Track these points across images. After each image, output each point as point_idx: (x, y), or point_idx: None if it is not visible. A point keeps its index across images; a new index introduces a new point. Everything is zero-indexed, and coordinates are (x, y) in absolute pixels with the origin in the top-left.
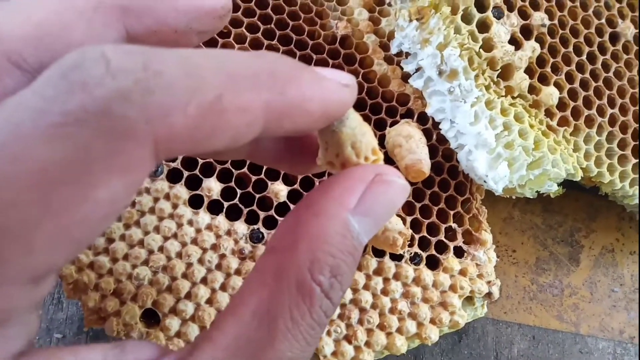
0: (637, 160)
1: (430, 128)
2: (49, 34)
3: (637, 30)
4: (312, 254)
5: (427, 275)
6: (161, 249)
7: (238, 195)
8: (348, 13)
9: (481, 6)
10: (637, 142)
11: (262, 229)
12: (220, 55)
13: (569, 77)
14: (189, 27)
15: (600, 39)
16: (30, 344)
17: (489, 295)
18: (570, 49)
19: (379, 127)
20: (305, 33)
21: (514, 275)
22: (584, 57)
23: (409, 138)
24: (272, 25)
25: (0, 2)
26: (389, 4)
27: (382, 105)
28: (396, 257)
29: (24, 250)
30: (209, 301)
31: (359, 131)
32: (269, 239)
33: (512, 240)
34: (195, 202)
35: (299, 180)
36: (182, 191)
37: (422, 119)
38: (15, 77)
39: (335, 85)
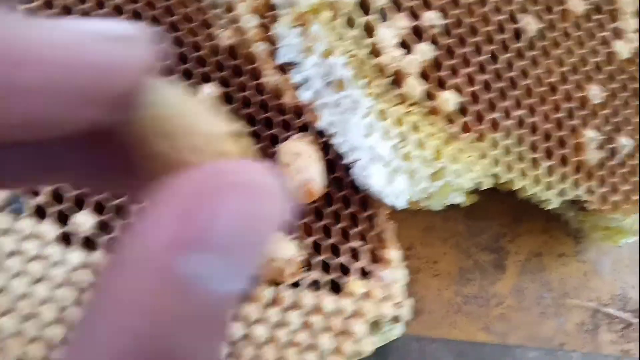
0: (551, 163)
1: (327, 142)
2: None
3: (542, 25)
4: (124, 337)
5: (328, 301)
6: (24, 295)
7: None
8: (235, 20)
9: (365, 9)
10: (549, 144)
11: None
12: None
13: (470, 80)
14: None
15: (502, 36)
16: None
17: (395, 319)
18: (469, 48)
19: (274, 143)
20: (189, 44)
21: (437, 288)
22: (484, 57)
23: (297, 156)
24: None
25: None
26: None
27: (276, 119)
28: (294, 284)
29: None
30: None
31: (191, 112)
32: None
33: (433, 251)
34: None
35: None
36: (49, 229)
37: (321, 132)
38: None
39: (99, 40)
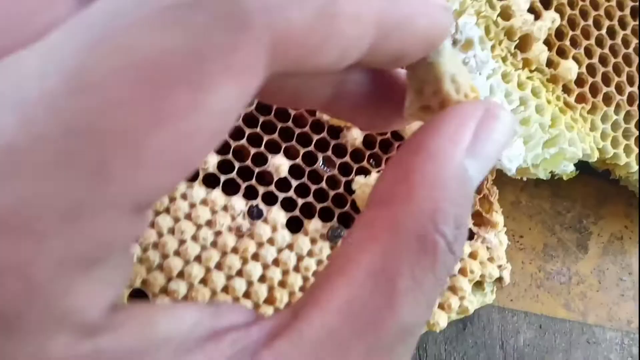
0: None
1: None
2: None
3: None
4: (434, 203)
5: None
6: (152, 224)
7: (236, 169)
8: None
9: None
10: None
11: (262, 205)
12: None
13: (588, 52)
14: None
15: (621, 13)
16: (121, 295)
17: (499, 280)
18: (590, 22)
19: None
20: None
21: (521, 261)
22: (603, 32)
23: None
24: None
25: None
26: None
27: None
28: None
29: (132, 164)
30: (203, 281)
31: (456, 64)
32: (372, 191)
33: (519, 226)
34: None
35: (300, 155)
36: None
37: None
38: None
39: (439, 7)
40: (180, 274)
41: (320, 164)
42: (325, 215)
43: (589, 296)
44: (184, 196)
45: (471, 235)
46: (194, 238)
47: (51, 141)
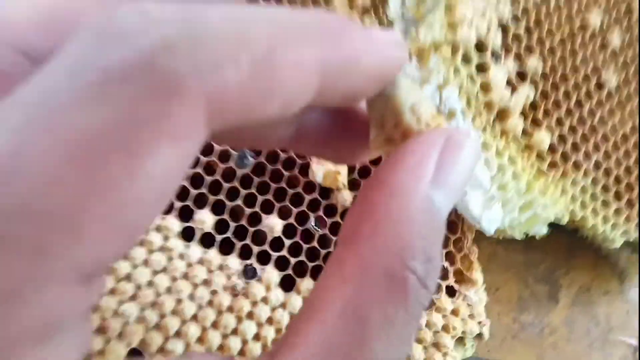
0: (618, 205)
1: None
2: (60, 19)
3: (619, 80)
4: (401, 239)
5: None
6: (150, 283)
7: (231, 229)
8: None
9: (480, 49)
10: (619, 187)
11: (256, 264)
12: (267, 8)
13: (559, 122)
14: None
15: (587, 87)
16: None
17: (479, 335)
18: (560, 95)
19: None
20: None
21: (497, 313)
22: (572, 104)
23: None
24: None
25: None
26: None
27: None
28: None
29: (71, 239)
30: (200, 340)
31: (415, 94)
32: (340, 230)
33: (495, 278)
34: (186, 235)
35: (294, 215)
36: (173, 223)
37: None
38: (25, 69)
39: (388, 42)
40: (177, 333)
41: (312, 223)
42: (317, 274)
43: (560, 347)
44: (181, 256)
45: (453, 293)
46: (191, 297)
47: None
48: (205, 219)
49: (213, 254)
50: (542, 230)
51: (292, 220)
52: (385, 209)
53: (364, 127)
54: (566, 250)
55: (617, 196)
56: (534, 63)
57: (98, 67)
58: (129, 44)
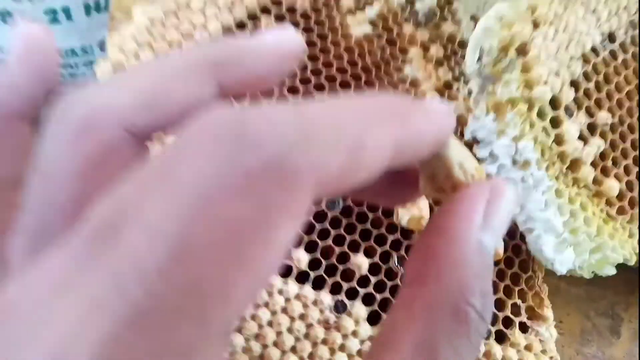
0: None
1: None
2: (154, 98)
3: None
4: (461, 280)
5: (497, 350)
6: (253, 317)
7: (323, 266)
8: (420, 95)
9: (554, 105)
10: None
11: (345, 300)
12: (352, 99)
13: (627, 170)
14: (271, 72)
15: None
16: None
17: None
18: (628, 143)
19: None
20: None
21: (561, 345)
22: (638, 152)
23: None
24: None
25: (99, 82)
26: (457, 89)
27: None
28: None
29: (224, 307)
30: None
31: (461, 152)
32: (406, 271)
33: (558, 312)
34: (284, 272)
35: (378, 254)
36: None
37: None
38: (131, 144)
39: (442, 114)
40: None
41: (395, 262)
42: None
43: None
44: (280, 292)
45: (525, 329)
46: (289, 330)
47: (167, 300)
48: (301, 258)
49: (308, 290)
50: (610, 271)
51: (376, 259)
52: (446, 253)
53: (413, 176)
54: (626, 285)
55: None
56: (603, 116)
57: (241, 171)
58: (262, 149)
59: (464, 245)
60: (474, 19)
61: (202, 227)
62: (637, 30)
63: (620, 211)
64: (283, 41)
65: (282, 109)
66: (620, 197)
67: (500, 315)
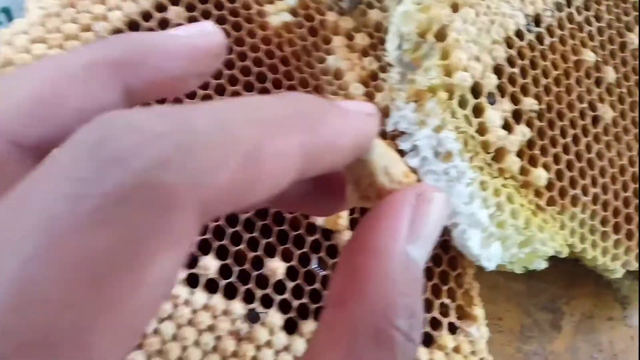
0: (617, 237)
1: None
2: (44, 105)
3: (615, 114)
4: (384, 299)
5: (423, 353)
6: (156, 331)
7: (235, 273)
8: (344, 87)
9: (475, 92)
10: (618, 219)
11: (259, 308)
12: (248, 103)
13: (556, 158)
14: (186, 72)
15: (583, 122)
16: None
17: None
18: (557, 131)
19: None
20: None
21: (501, 343)
22: (569, 139)
23: None
24: None
25: None
26: (383, 80)
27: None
28: None
29: (83, 353)
30: None
31: (387, 157)
32: (328, 292)
33: (498, 308)
34: (191, 281)
35: (296, 257)
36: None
37: None
38: (16, 157)
39: (362, 117)
40: None
41: (316, 264)
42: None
43: None
44: (186, 302)
45: (454, 329)
46: (196, 344)
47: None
48: (209, 265)
49: (217, 299)
50: (541, 265)
51: (294, 262)
52: (368, 271)
53: (340, 183)
54: (567, 278)
55: (616, 228)
56: (529, 102)
57: (97, 193)
58: (124, 167)
59: (387, 260)
60: None
61: (48, 266)
62: (564, 13)
63: (550, 202)
64: (198, 36)
65: (158, 114)
66: (549, 187)
67: (428, 316)
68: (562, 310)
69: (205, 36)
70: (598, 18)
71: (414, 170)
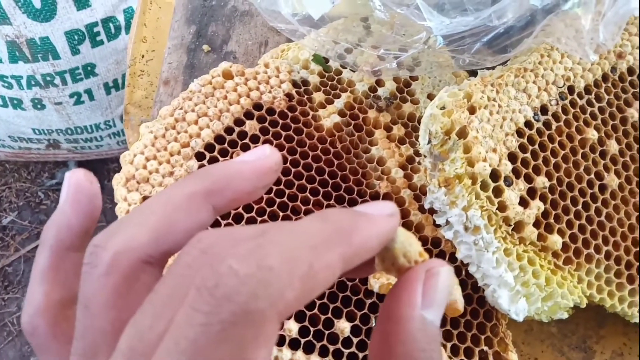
0: (632, 286)
1: (460, 265)
2: (163, 232)
3: (621, 180)
4: (409, 355)
5: None
6: None
7: (311, 333)
8: (386, 172)
9: (494, 176)
10: (631, 271)
11: None
12: (298, 232)
13: (570, 224)
14: (255, 187)
15: (592, 190)
16: None
17: None
18: (568, 201)
19: None
20: (355, 192)
21: None
22: (579, 207)
23: None
24: (329, 189)
25: (122, 219)
26: (419, 163)
27: (432, 255)
28: None
29: None
30: None
31: (407, 243)
32: (369, 351)
33: (533, 349)
34: (278, 342)
35: (358, 317)
36: None
37: (453, 258)
38: (147, 272)
39: (385, 219)
40: None
41: (374, 323)
42: None
43: None
44: (276, 358)
45: None
46: None
47: None
48: (292, 327)
49: (299, 354)
50: (563, 315)
51: (357, 321)
52: (395, 334)
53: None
54: (596, 319)
55: (630, 279)
56: (541, 180)
57: (219, 320)
58: (232, 302)
59: (407, 324)
60: (431, 97)
61: None
62: (568, 100)
63: (567, 261)
64: (262, 158)
65: (245, 259)
66: (565, 248)
67: None
68: (594, 349)
69: (266, 158)
70: (598, 99)
71: (449, 241)
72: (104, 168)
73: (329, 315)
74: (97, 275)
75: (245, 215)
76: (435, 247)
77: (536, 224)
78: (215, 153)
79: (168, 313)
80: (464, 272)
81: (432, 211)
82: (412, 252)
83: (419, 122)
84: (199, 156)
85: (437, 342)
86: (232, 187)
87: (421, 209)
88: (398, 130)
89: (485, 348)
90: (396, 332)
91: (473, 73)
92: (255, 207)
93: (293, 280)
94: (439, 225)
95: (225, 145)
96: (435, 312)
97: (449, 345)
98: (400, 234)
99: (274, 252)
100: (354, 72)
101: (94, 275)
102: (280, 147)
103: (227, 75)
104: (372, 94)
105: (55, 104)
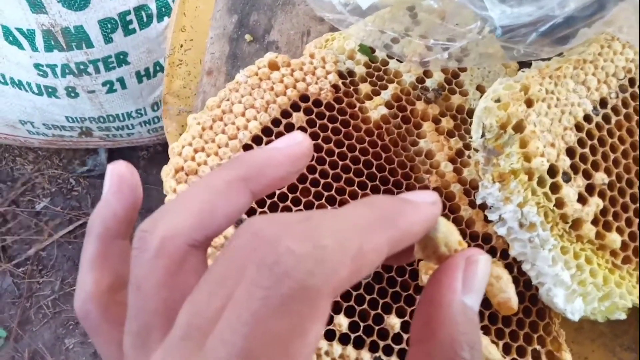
0: None
1: (512, 262)
2: (206, 217)
3: None
4: (450, 337)
5: None
6: None
7: (361, 328)
8: (435, 166)
9: (552, 172)
10: None
11: (383, 357)
12: (348, 215)
13: (629, 222)
14: (288, 172)
15: None
16: None
17: None
18: (628, 198)
19: None
20: (404, 187)
21: None
22: (638, 205)
23: (498, 279)
24: (377, 182)
25: (166, 206)
26: (468, 156)
27: (470, 245)
28: None
29: None
30: None
31: (447, 232)
32: (411, 332)
33: (583, 349)
34: (328, 336)
35: (408, 313)
36: None
37: (504, 254)
38: (194, 254)
39: (428, 206)
40: None
41: None
42: None
43: None
44: (327, 353)
45: None
46: None
47: None
48: (342, 322)
49: (350, 350)
50: (621, 315)
51: (407, 317)
52: (437, 317)
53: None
54: None
55: None
56: (600, 177)
57: (280, 295)
58: (291, 279)
59: (449, 309)
60: (480, 88)
61: (257, 340)
62: (628, 93)
63: (626, 260)
64: (294, 145)
65: (302, 239)
66: (624, 247)
67: None
68: None
69: (298, 144)
70: None
71: (500, 237)
72: (134, 155)
73: (379, 310)
74: (147, 259)
75: (294, 209)
76: (486, 244)
77: (594, 222)
78: (263, 145)
79: (224, 291)
80: (515, 269)
81: (483, 206)
82: (452, 241)
83: (468, 114)
84: (247, 148)
85: (477, 326)
86: (266, 173)
87: (471, 204)
88: (447, 123)
89: (538, 347)
90: (438, 315)
91: (524, 64)
92: (304, 200)
93: (345, 259)
94: (490, 221)
95: (273, 137)
96: (474, 297)
97: (500, 343)
98: (441, 224)
99: (327, 233)
100: (401, 62)
101: (144, 259)
102: (327, 140)
103: (273, 66)
104: (419, 85)
105: (88, 92)
